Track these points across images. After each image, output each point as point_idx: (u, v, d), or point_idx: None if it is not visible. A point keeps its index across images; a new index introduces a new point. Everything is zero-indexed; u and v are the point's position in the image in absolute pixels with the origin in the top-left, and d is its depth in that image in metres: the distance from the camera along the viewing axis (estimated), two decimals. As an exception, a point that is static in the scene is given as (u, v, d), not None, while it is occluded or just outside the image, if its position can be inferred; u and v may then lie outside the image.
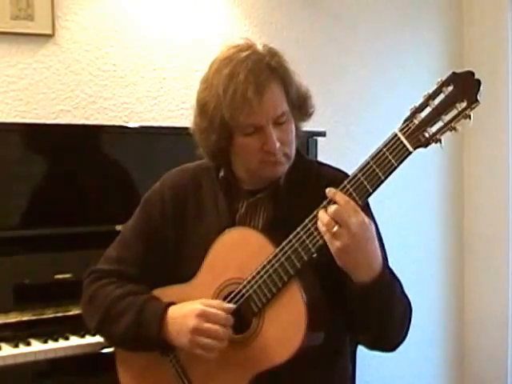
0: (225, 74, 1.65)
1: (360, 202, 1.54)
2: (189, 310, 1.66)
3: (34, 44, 2.74)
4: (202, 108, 1.72)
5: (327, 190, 1.57)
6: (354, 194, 1.54)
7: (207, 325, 1.62)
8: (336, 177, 1.73)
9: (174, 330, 1.67)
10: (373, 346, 1.76)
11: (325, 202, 1.57)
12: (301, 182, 1.77)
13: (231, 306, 1.66)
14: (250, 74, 1.63)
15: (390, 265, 1.71)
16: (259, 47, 1.71)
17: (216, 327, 1.61)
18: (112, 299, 1.77)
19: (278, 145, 1.67)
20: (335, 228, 1.51)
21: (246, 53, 1.67)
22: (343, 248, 1.52)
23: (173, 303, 1.72)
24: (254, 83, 1.62)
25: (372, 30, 3.59)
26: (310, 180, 1.78)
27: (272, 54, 1.70)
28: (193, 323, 1.63)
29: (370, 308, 1.59)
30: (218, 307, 1.64)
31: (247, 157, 1.72)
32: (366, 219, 1.54)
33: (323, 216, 1.55)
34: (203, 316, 1.63)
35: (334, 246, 1.52)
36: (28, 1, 2.69)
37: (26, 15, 2.70)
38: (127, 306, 1.74)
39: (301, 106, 1.75)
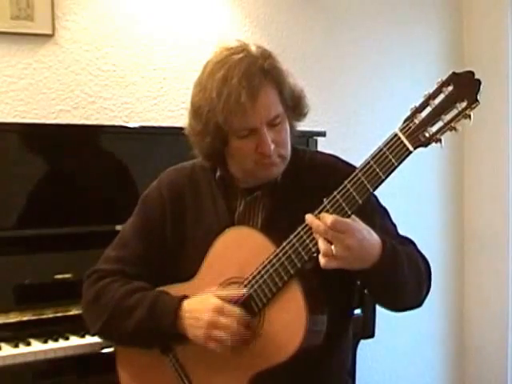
0: (218, 77, 1.66)
1: (360, 202, 1.54)
2: (206, 304, 1.66)
3: (34, 44, 2.73)
4: (196, 111, 1.73)
5: (306, 216, 1.58)
6: (355, 194, 1.55)
7: (224, 319, 1.62)
8: (330, 163, 1.79)
9: (189, 322, 1.67)
10: (397, 309, 1.80)
11: (316, 211, 1.58)
12: (296, 175, 1.78)
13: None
14: (243, 78, 1.63)
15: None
16: (253, 49, 1.71)
17: (233, 322, 1.62)
18: (121, 295, 1.77)
19: (272, 147, 1.68)
20: (334, 251, 1.53)
21: (240, 56, 1.67)
22: (345, 261, 1.54)
23: (186, 296, 1.72)
24: (248, 87, 1.62)
25: (372, 31, 3.59)
26: (304, 171, 1.79)
27: (265, 56, 1.70)
28: (209, 317, 1.63)
29: (380, 284, 1.63)
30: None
31: (242, 159, 1.72)
32: (356, 226, 1.55)
33: (321, 244, 1.55)
34: (219, 310, 1.63)
35: (336, 263, 1.54)
36: (28, 1, 2.69)
37: (26, 15, 2.69)
38: (138, 301, 1.74)
39: (295, 106, 1.75)
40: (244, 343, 1.64)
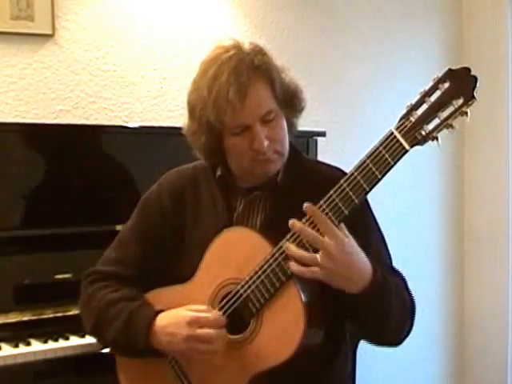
0: (209, 76, 1.66)
1: (357, 201, 1.54)
2: (179, 318, 1.65)
3: (34, 44, 2.74)
4: (191, 110, 1.74)
5: (305, 205, 1.56)
6: (351, 193, 1.54)
7: (200, 331, 1.61)
8: (334, 175, 1.73)
9: (165, 339, 1.66)
10: (376, 343, 1.78)
11: (304, 220, 1.57)
12: (298, 180, 1.77)
13: (219, 314, 1.66)
14: (232, 76, 1.63)
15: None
16: (245, 46, 1.70)
17: (210, 331, 1.61)
18: (104, 304, 1.77)
19: (266, 143, 1.67)
20: (318, 259, 1.52)
21: (230, 53, 1.67)
22: (329, 274, 1.53)
23: (162, 310, 1.71)
24: (236, 84, 1.62)
25: (372, 30, 3.59)
26: (307, 178, 1.78)
27: (256, 52, 1.69)
28: (186, 332, 1.62)
29: (365, 313, 1.61)
30: (206, 312, 1.64)
31: (238, 156, 1.72)
32: (345, 238, 1.55)
33: (303, 254, 1.55)
34: (195, 323, 1.62)
35: (320, 274, 1.54)
36: (28, 1, 2.69)
37: (26, 15, 2.70)
38: (117, 313, 1.74)
39: (289, 101, 1.74)
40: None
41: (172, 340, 1.64)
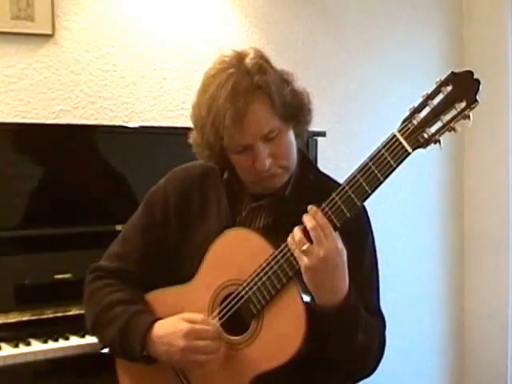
0: (208, 95, 1.64)
1: (359, 203, 1.54)
2: (176, 328, 1.65)
3: (34, 44, 2.73)
4: (194, 124, 1.73)
5: (309, 206, 1.56)
6: (353, 196, 1.54)
7: (197, 342, 1.62)
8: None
9: (161, 349, 1.67)
10: (323, 369, 1.74)
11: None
12: (305, 194, 1.74)
13: (215, 322, 1.67)
14: (228, 100, 1.59)
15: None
16: (247, 61, 1.65)
17: (207, 342, 1.62)
18: (103, 306, 1.78)
19: (268, 162, 1.65)
20: (305, 246, 1.52)
21: (230, 71, 1.63)
22: (311, 266, 1.53)
23: (159, 319, 1.72)
24: (232, 110, 1.59)
25: (372, 30, 3.59)
26: (313, 192, 1.73)
27: (257, 69, 1.64)
28: (182, 343, 1.62)
29: (323, 334, 1.59)
30: (202, 323, 1.65)
31: (243, 171, 1.72)
32: (340, 245, 1.54)
33: (297, 233, 1.55)
34: (192, 334, 1.62)
35: (303, 262, 1.53)
36: (28, 1, 2.69)
37: (26, 15, 2.69)
38: (115, 317, 1.74)
39: (294, 116, 1.70)
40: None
41: (169, 350, 1.65)
